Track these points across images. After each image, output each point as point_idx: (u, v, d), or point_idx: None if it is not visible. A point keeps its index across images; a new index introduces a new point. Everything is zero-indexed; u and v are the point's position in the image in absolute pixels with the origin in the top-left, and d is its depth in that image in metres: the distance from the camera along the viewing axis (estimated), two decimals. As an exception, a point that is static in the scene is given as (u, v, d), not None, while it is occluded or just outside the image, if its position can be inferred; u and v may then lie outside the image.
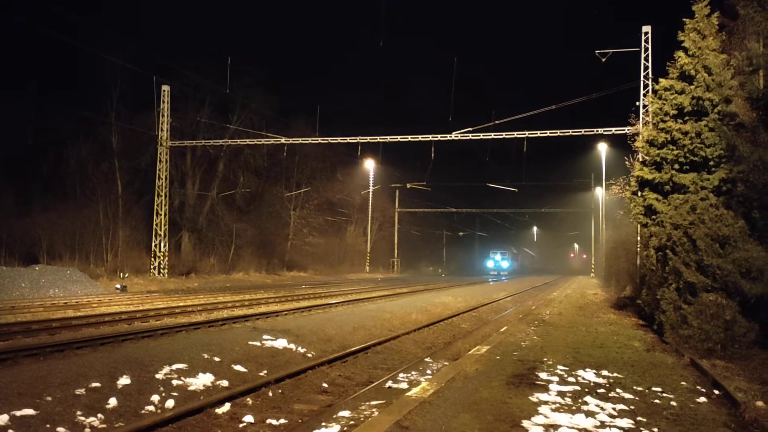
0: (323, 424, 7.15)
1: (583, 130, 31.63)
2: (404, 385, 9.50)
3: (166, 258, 36.31)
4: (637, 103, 24.65)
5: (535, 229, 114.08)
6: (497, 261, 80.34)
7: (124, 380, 8.41)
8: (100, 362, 9.08)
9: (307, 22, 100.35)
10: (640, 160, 17.78)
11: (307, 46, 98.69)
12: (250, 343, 11.67)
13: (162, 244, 36.19)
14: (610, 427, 6.47)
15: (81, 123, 37.44)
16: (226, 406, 8.04)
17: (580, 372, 9.24)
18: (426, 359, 12.29)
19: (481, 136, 32.82)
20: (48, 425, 6.80)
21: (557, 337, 13.29)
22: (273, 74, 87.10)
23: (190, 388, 8.74)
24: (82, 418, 7.14)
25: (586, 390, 8.08)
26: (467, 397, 7.48)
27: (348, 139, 35.88)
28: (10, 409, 6.91)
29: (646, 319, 15.48)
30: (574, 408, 7.15)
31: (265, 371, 10.20)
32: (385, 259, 67.53)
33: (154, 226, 36.43)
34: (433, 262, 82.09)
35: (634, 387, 8.37)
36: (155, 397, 8.09)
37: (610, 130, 30.69)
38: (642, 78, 25.42)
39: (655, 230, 15.20)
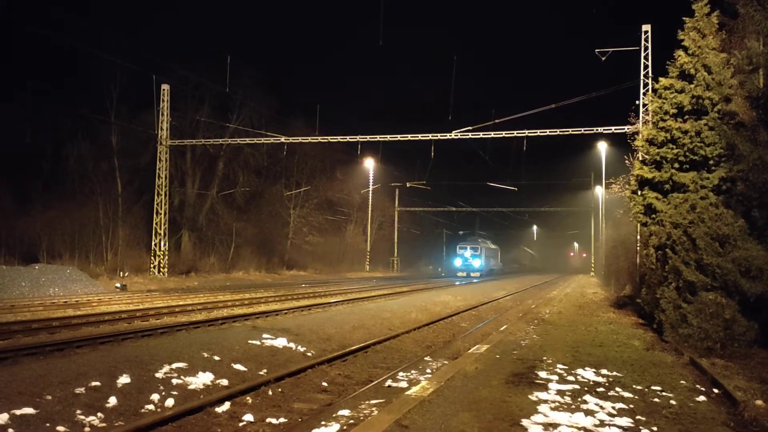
0: (323, 423, 7.16)
1: (582, 129, 31.64)
2: (404, 384, 9.51)
3: (166, 257, 36.30)
4: (637, 102, 24.67)
5: (534, 228, 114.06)
6: (466, 258, 59.79)
7: (123, 379, 8.41)
8: (100, 361, 9.09)
9: (306, 22, 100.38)
10: (640, 159, 17.75)
11: (307, 45, 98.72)
12: (249, 341, 11.67)
13: (162, 243, 36.18)
14: (609, 425, 6.48)
15: (80, 122, 37.59)
16: (226, 405, 8.05)
17: (579, 371, 9.25)
18: (426, 358, 12.29)
19: (481, 135, 32.86)
20: (48, 424, 6.80)
21: (557, 336, 13.29)
22: (272, 73, 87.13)
23: (190, 387, 8.75)
24: (82, 417, 7.15)
25: (586, 389, 8.08)
26: (467, 396, 7.48)
27: (348, 138, 35.85)
28: (10, 407, 6.91)
29: (646, 318, 15.48)
30: (573, 407, 7.15)
31: (265, 370, 10.21)
32: (384, 258, 67.51)
33: (154, 225, 36.42)
34: (433, 261, 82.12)
35: (634, 386, 8.37)
36: (155, 396, 8.09)
37: (610, 129, 30.69)
38: (642, 77, 25.44)
39: (654, 229, 15.18)
